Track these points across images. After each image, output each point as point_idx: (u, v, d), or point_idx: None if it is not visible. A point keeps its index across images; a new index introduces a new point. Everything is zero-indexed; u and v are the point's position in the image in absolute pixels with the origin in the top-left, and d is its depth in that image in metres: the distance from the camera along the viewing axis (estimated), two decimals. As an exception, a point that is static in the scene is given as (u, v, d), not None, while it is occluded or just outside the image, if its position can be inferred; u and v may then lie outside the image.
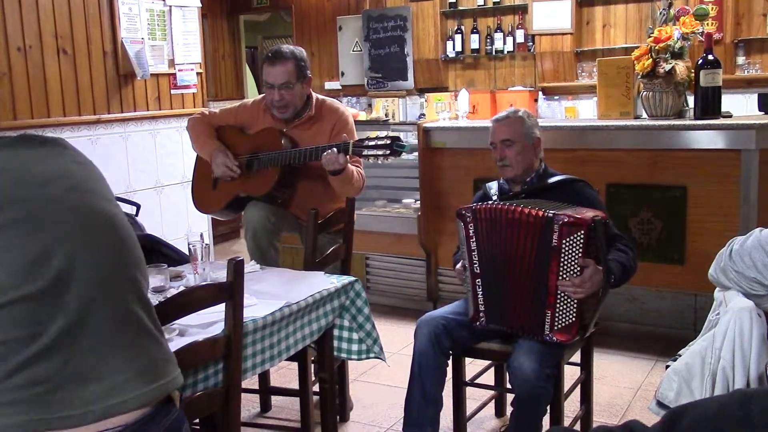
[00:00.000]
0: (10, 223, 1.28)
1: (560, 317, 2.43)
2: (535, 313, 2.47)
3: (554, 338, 2.44)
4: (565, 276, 2.40)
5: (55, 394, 1.24)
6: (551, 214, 2.40)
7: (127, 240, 1.45)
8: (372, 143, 2.98)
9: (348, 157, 3.02)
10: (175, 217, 5.19)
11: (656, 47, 3.81)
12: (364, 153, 2.99)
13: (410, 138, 4.87)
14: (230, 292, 2.03)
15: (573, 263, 2.39)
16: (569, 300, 2.42)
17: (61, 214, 1.35)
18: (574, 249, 2.38)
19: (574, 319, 2.42)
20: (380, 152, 2.95)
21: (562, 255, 2.39)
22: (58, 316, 1.27)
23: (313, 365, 2.81)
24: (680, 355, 2.44)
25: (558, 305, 2.43)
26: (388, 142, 2.95)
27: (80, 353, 1.28)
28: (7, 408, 1.20)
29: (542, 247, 2.43)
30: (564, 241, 2.38)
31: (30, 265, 1.27)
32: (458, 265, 2.73)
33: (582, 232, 2.37)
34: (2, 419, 1.19)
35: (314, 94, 3.31)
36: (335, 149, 3.00)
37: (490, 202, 2.68)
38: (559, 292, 2.41)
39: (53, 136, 1.52)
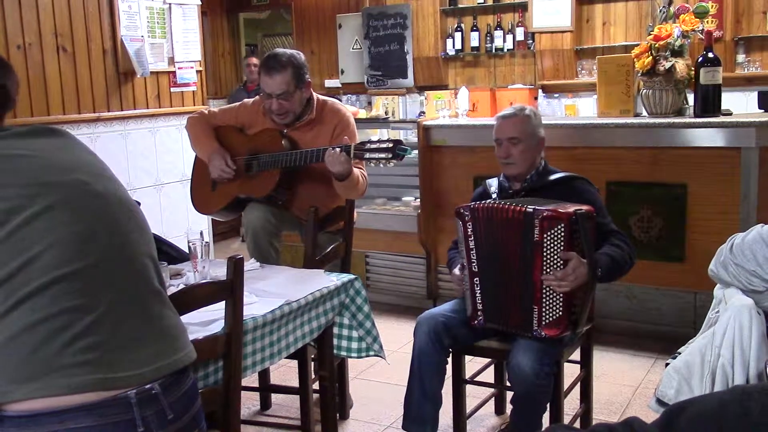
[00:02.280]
0: (56, 203, 1.41)
1: (547, 312, 2.45)
2: (525, 309, 2.48)
3: (543, 333, 2.45)
4: (548, 270, 2.42)
5: (113, 356, 1.39)
6: (531, 210, 2.43)
7: (145, 222, 1.62)
8: (374, 146, 2.94)
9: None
10: (175, 215, 5.19)
11: (656, 45, 3.81)
12: (366, 156, 2.96)
13: (410, 136, 4.87)
14: (230, 290, 2.04)
15: (556, 257, 2.41)
16: (555, 294, 2.43)
17: (95, 199, 1.49)
18: (555, 243, 2.41)
19: (561, 313, 2.44)
20: (382, 155, 2.92)
21: (545, 249, 2.41)
22: (109, 289, 1.43)
23: (313, 363, 2.81)
24: (680, 353, 2.44)
25: (544, 300, 2.44)
26: (390, 145, 2.90)
27: (129, 321, 1.45)
28: (75, 369, 1.34)
29: (526, 243, 2.45)
30: (545, 236, 2.40)
31: (81, 242, 1.42)
32: (456, 270, 2.73)
33: (562, 225, 2.39)
34: (72, 379, 1.33)
35: (315, 95, 3.26)
36: (337, 149, 2.97)
37: (488, 201, 2.68)
38: (544, 286, 2.43)
39: (58, 127, 1.61)
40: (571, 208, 2.44)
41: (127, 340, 1.42)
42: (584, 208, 2.47)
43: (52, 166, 1.46)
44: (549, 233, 2.40)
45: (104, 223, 1.47)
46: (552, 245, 2.41)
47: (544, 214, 2.40)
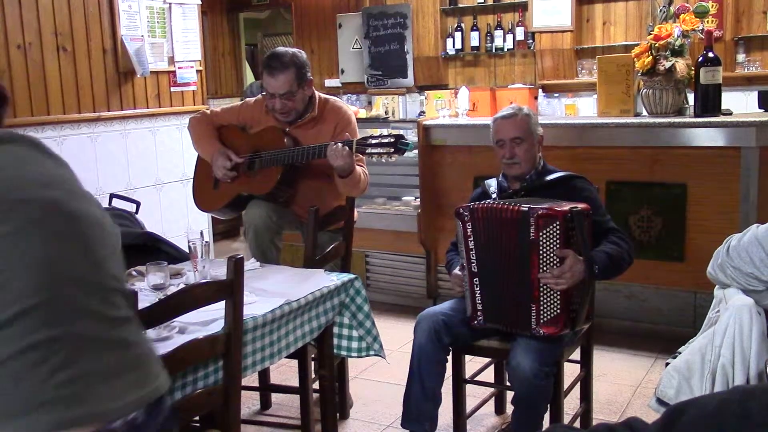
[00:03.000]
0: (26, 224, 1.30)
1: (545, 310, 2.45)
2: (523, 308, 2.49)
3: (541, 332, 2.46)
4: (545, 268, 2.43)
5: (94, 389, 1.30)
6: (526, 208, 2.44)
7: (118, 243, 1.50)
8: (376, 141, 2.96)
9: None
10: (175, 215, 5.19)
11: (656, 45, 3.81)
12: (367, 151, 2.97)
13: (410, 135, 4.87)
14: (230, 290, 2.04)
15: (552, 255, 2.43)
16: (552, 292, 2.44)
17: (68, 220, 1.37)
18: (551, 241, 2.42)
19: (559, 311, 2.45)
20: (384, 150, 2.93)
21: (541, 247, 2.43)
22: (82, 318, 1.32)
23: (313, 363, 2.81)
24: (680, 353, 2.44)
25: (542, 298, 2.45)
26: (392, 140, 2.92)
27: (104, 350, 1.34)
28: (59, 404, 1.25)
29: (523, 242, 2.46)
30: (541, 234, 2.42)
31: (51, 268, 1.30)
32: (456, 270, 2.73)
33: (557, 223, 2.40)
34: (57, 415, 1.24)
35: (317, 94, 3.28)
36: (339, 144, 2.98)
37: (488, 201, 2.69)
38: (541, 285, 2.44)
39: (26, 134, 1.48)
40: (567, 206, 2.45)
41: (105, 370, 1.33)
42: (580, 206, 2.48)
43: (23, 181, 1.34)
44: (544, 231, 2.42)
45: (76, 247, 1.36)
46: (548, 243, 2.42)
47: (539, 212, 2.42)
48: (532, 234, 2.43)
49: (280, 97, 3.12)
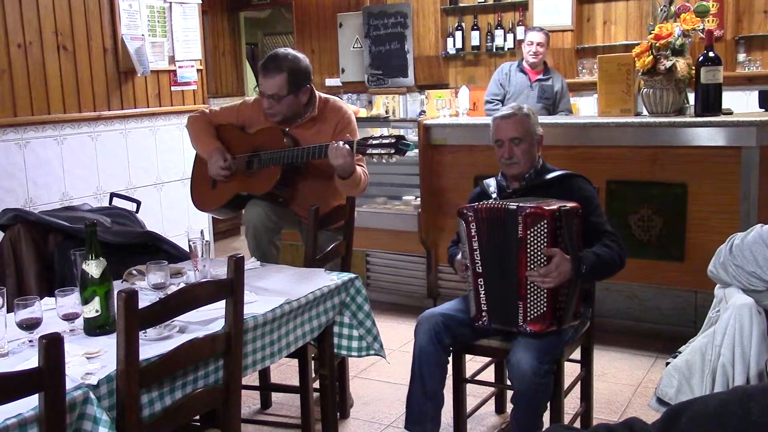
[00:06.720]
0: None
1: (532, 308, 2.47)
2: (511, 305, 2.50)
3: (528, 329, 2.47)
4: (532, 266, 2.44)
5: None
6: (514, 207, 2.46)
7: None
8: (376, 142, 2.95)
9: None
10: (176, 214, 5.19)
11: (657, 44, 3.81)
12: (368, 152, 2.97)
13: (411, 135, 4.87)
14: (231, 289, 2.04)
15: (539, 253, 2.44)
16: (539, 290, 2.45)
17: None
18: (538, 239, 2.43)
19: (545, 309, 2.45)
20: (384, 151, 2.93)
21: (529, 246, 2.44)
22: None
23: (313, 362, 2.81)
24: (680, 352, 2.45)
25: (529, 296, 2.47)
26: (393, 141, 2.92)
27: None
28: None
29: (512, 240, 2.47)
30: (528, 232, 2.44)
31: None
32: (458, 256, 2.73)
33: (545, 221, 2.41)
34: None
35: (318, 93, 3.26)
36: (341, 143, 2.97)
37: (490, 200, 2.68)
38: (528, 283, 2.45)
39: None
40: (555, 205, 2.46)
41: None
42: (569, 204, 2.49)
43: None
44: (532, 230, 2.43)
45: None
46: (535, 242, 2.44)
47: (527, 210, 2.43)
48: (520, 232, 2.45)
49: (267, 98, 3.12)
